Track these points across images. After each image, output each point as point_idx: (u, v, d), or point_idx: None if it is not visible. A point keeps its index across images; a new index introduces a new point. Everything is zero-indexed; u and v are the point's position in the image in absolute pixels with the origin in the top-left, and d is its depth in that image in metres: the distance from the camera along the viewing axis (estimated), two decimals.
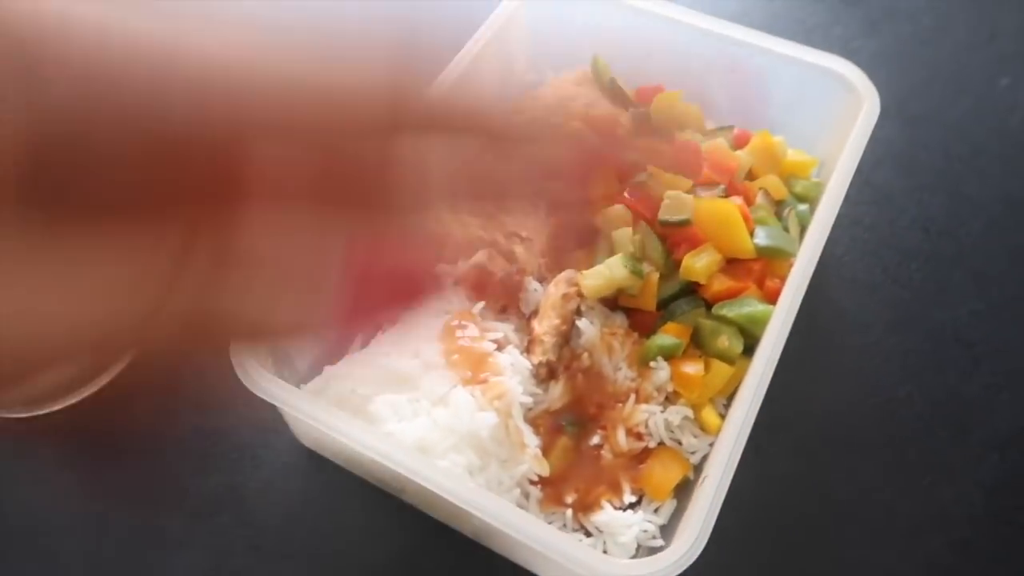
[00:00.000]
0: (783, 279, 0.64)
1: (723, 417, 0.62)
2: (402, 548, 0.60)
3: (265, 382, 0.53)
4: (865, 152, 0.66)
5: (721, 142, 0.73)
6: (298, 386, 0.63)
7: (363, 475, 0.62)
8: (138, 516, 0.62)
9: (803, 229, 0.72)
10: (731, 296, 0.64)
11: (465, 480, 0.53)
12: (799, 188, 0.74)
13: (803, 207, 0.72)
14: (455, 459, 0.54)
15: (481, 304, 0.64)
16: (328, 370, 0.61)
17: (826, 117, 0.75)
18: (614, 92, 0.81)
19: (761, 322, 0.61)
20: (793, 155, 0.76)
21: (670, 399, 0.63)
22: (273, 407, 0.54)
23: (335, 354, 0.66)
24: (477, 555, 0.59)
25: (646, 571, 0.46)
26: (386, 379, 0.58)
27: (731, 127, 0.77)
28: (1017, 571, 0.59)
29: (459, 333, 0.60)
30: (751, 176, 0.74)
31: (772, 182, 0.72)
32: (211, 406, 0.66)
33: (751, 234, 0.65)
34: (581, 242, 0.70)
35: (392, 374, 0.58)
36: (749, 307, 0.62)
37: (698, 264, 0.63)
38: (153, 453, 0.65)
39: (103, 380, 0.68)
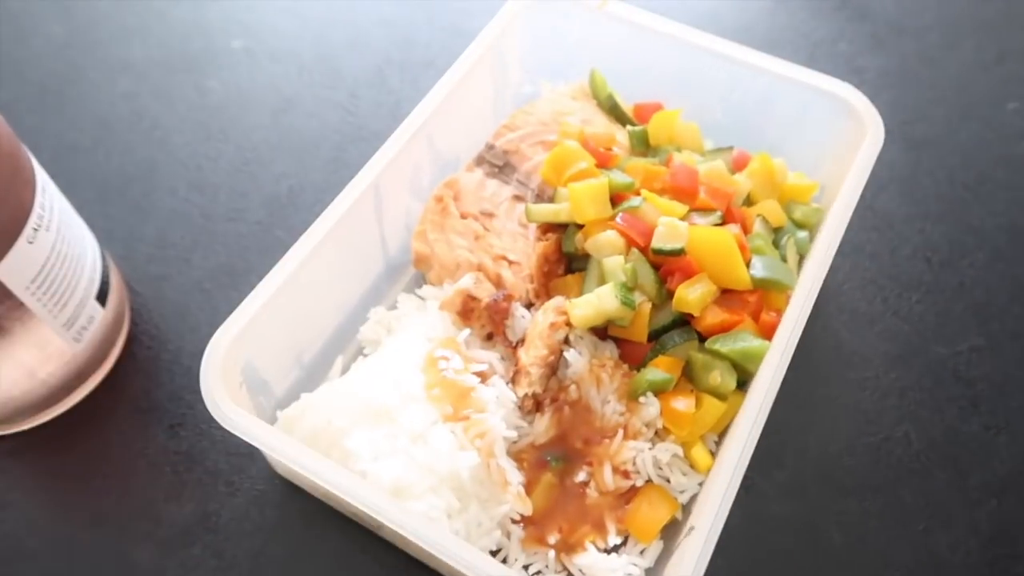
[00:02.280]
0: (780, 312, 0.62)
1: (714, 455, 0.61)
2: None
3: (237, 418, 0.51)
4: (868, 176, 0.64)
5: (720, 164, 0.70)
6: (274, 412, 0.61)
7: (338, 507, 0.60)
8: (107, 544, 0.60)
9: (801, 258, 0.70)
10: (725, 329, 0.62)
11: (442, 525, 0.51)
12: (798, 214, 0.72)
13: (802, 234, 0.70)
14: (433, 501, 0.52)
15: (467, 331, 0.62)
16: (305, 398, 0.59)
17: (828, 141, 0.73)
18: (611, 108, 0.79)
19: (756, 358, 0.58)
20: (793, 179, 0.74)
21: (659, 435, 0.61)
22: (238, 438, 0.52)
23: (314, 379, 0.64)
24: None
25: None
26: (364, 412, 0.56)
27: (730, 148, 0.75)
28: None
29: (442, 364, 0.57)
30: (749, 201, 0.72)
31: (771, 208, 0.70)
32: (186, 430, 0.64)
33: (747, 264, 0.63)
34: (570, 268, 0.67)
35: (370, 405, 0.56)
36: (744, 342, 0.60)
37: (692, 295, 0.61)
38: (125, 476, 0.63)
39: (75, 399, 0.65)
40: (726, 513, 0.49)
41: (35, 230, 0.54)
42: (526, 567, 0.56)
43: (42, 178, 0.57)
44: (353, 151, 0.81)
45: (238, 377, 0.56)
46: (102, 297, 0.64)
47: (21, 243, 0.53)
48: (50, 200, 0.57)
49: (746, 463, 0.51)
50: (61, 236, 0.58)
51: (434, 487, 0.52)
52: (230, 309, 0.54)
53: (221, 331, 0.54)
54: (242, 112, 0.85)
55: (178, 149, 0.82)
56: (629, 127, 0.76)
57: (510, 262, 0.68)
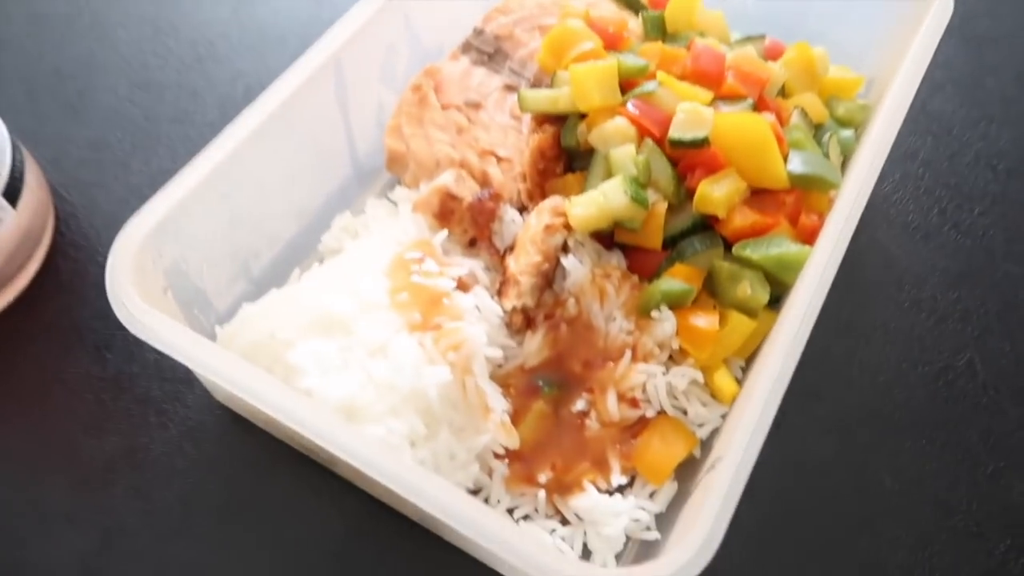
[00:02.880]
0: (822, 216, 0.51)
1: (740, 383, 0.50)
2: (335, 533, 0.48)
3: (149, 320, 0.41)
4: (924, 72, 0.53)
5: (750, 50, 0.59)
6: (212, 330, 0.51)
7: (288, 441, 0.50)
8: (17, 483, 0.50)
9: (846, 159, 0.59)
10: (757, 234, 0.51)
11: (403, 453, 0.41)
12: (842, 111, 0.61)
13: (847, 133, 0.59)
14: (392, 425, 0.42)
15: (444, 234, 0.51)
16: (246, 309, 0.49)
17: (877, 27, 0.62)
18: None
19: (794, 267, 0.48)
20: (836, 72, 0.63)
21: (675, 358, 0.51)
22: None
23: (264, 291, 0.54)
24: (423, 544, 0.47)
25: None
26: (313, 321, 0.46)
27: (762, 36, 0.64)
28: None
29: (413, 267, 0.47)
30: (785, 94, 0.61)
31: (810, 101, 0.59)
32: (113, 353, 0.54)
33: (784, 159, 0.52)
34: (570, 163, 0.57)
35: (321, 315, 0.46)
36: (779, 247, 0.50)
37: (717, 193, 0.51)
38: (39, 404, 0.53)
39: None
40: (757, 449, 0.39)
41: None
42: (511, 510, 0.47)
43: None
44: None
45: (160, 280, 0.46)
46: (11, 195, 0.54)
47: None
48: None
49: (782, 391, 0.41)
50: None
51: (395, 408, 0.42)
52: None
53: (135, 219, 0.44)
54: (196, 5, 0.74)
55: (121, 45, 0.71)
56: (643, 12, 0.65)
57: (499, 158, 0.57)
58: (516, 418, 0.48)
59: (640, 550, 0.47)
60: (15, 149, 0.55)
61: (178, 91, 0.69)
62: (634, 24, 0.65)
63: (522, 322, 0.50)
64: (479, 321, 0.47)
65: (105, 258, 0.45)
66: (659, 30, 0.64)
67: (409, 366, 0.43)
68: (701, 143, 0.52)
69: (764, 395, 0.40)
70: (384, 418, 0.42)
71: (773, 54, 0.63)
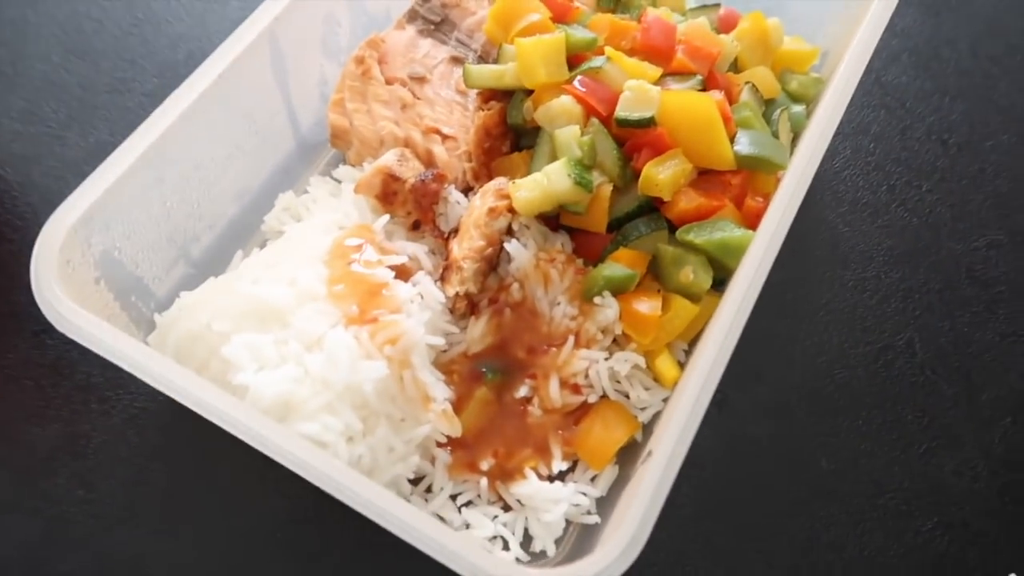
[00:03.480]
0: (768, 198, 0.51)
1: (683, 367, 0.51)
2: (278, 522, 0.49)
3: (77, 319, 0.40)
4: (877, 45, 0.52)
5: (703, 22, 0.58)
6: (151, 318, 0.50)
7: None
8: None
9: (796, 136, 0.58)
10: (702, 217, 0.51)
11: (339, 451, 0.41)
12: (794, 84, 0.61)
13: (798, 108, 0.59)
14: (328, 422, 0.42)
15: (386, 218, 0.51)
16: (183, 297, 0.48)
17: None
18: None
19: (738, 251, 0.48)
20: (790, 43, 0.62)
21: (618, 343, 0.51)
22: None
23: (207, 278, 0.53)
24: (365, 529, 0.48)
25: None
26: (250, 312, 0.46)
27: (717, 5, 0.63)
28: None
29: (352, 256, 0.46)
30: (737, 67, 0.60)
31: (762, 75, 0.59)
32: (53, 338, 0.53)
33: (731, 139, 0.52)
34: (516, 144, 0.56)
35: (258, 306, 0.46)
36: (723, 231, 0.50)
37: (662, 175, 0.50)
38: None
39: None
40: (692, 433, 0.39)
41: None
42: (453, 497, 0.47)
43: None
44: None
45: (91, 270, 0.45)
46: None
47: None
48: None
49: (719, 374, 0.41)
50: None
51: (330, 405, 0.42)
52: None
53: (60, 210, 0.43)
54: None
55: (54, 8, 0.68)
56: None
57: (444, 136, 0.56)
58: (459, 405, 0.48)
59: (581, 533, 0.47)
60: None
61: (115, 59, 0.66)
62: None
63: (465, 308, 0.50)
64: (421, 310, 0.47)
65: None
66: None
67: (345, 361, 0.43)
68: (647, 123, 0.51)
69: (697, 388, 0.40)
70: (319, 415, 0.41)
71: (727, 24, 0.62)
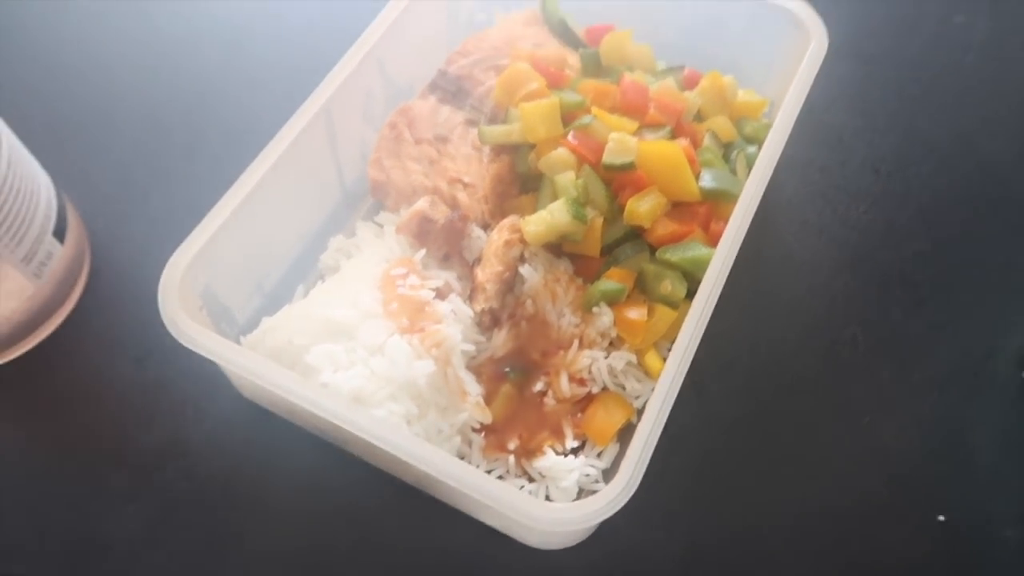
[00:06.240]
0: (728, 221, 0.63)
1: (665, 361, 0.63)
2: (347, 498, 0.60)
3: (196, 334, 0.52)
4: (819, 92, 0.65)
5: (670, 83, 0.71)
6: (237, 339, 0.62)
7: (305, 426, 0.62)
8: (82, 471, 0.61)
9: (751, 171, 0.71)
10: (676, 240, 0.63)
11: (401, 429, 0.52)
12: (748, 129, 0.73)
13: (752, 149, 0.71)
14: (392, 408, 0.53)
15: (423, 252, 0.63)
16: (265, 321, 0.60)
17: (777, 56, 0.73)
18: (564, 32, 0.79)
19: (703, 265, 0.60)
20: (744, 95, 0.74)
21: (614, 344, 0.63)
22: (212, 360, 0.53)
23: (276, 307, 0.65)
24: (421, 503, 0.60)
25: (577, 513, 0.46)
26: (323, 329, 0.57)
27: (681, 67, 0.76)
28: (948, 506, 0.61)
29: (399, 282, 0.59)
30: (700, 117, 0.73)
31: (720, 123, 0.71)
32: (152, 361, 0.65)
33: (697, 177, 0.64)
34: (524, 188, 0.68)
35: (329, 324, 0.58)
36: (693, 251, 0.62)
37: (642, 208, 0.62)
38: (95, 408, 0.64)
39: (41, 336, 0.66)
40: (668, 408, 0.50)
41: None
42: (487, 472, 0.59)
43: None
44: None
45: (197, 301, 0.57)
46: (59, 233, 0.64)
47: None
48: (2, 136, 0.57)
49: (689, 359, 0.52)
50: (13, 172, 0.58)
51: (393, 395, 0.54)
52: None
53: (178, 252, 0.55)
54: (193, 54, 0.84)
55: (129, 93, 0.81)
56: (581, 49, 0.77)
57: (465, 184, 0.68)
58: (488, 399, 0.60)
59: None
60: (58, 194, 0.66)
61: (184, 130, 0.79)
62: (574, 59, 0.77)
63: (490, 321, 0.62)
64: (455, 323, 0.59)
65: (136, 279, 0.56)
66: (596, 65, 0.76)
67: (402, 361, 0.55)
68: (629, 166, 0.64)
69: (676, 363, 0.52)
70: (385, 403, 0.53)
71: (691, 82, 0.75)
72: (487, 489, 0.47)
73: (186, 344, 0.51)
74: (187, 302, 0.54)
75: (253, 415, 0.63)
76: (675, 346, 0.53)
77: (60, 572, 0.58)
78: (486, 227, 0.67)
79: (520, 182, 0.70)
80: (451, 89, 0.74)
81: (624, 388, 0.62)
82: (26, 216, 0.60)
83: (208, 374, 0.64)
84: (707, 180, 0.64)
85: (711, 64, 0.74)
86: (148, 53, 0.84)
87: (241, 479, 0.61)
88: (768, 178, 0.60)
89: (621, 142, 0.64)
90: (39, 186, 0.62)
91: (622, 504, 0.47)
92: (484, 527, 0.59)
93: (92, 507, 0.60)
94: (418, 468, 0.48)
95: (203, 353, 0.51)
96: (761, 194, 0.59)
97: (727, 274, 0.56)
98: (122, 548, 0.59)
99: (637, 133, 0.66)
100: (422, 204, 0.64)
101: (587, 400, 0.61)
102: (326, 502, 0.60)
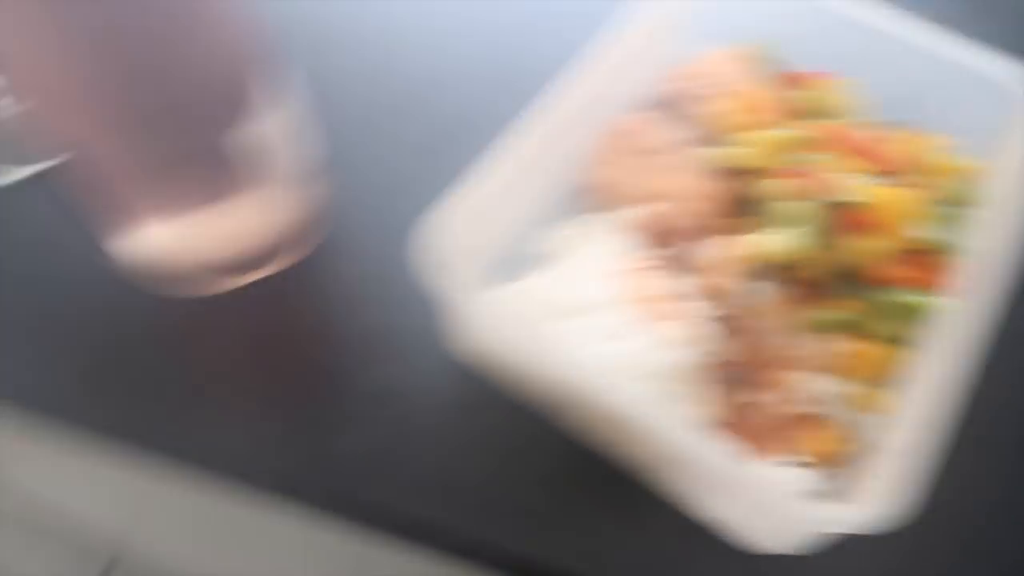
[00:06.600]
0: (948, 271, 0.65)
1: (888, 397, 0.63)
2: (553, 470, 0.61)
3: (465, 281, 0.54)
4: None
5: (897, 135, 0.73)
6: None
7: (520, 393, 0.63)
8: (315, 399, 0.64)
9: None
10: (900, 283, 0.65)
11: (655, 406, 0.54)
12: (961, 189, 0.75)
13: (965, 208, 0.73)
14: (636, 388, 0.55)
15: (656, 250, 0.65)
16: (508, 288, 0.62)
17: (990, 121, 0.75)
18: (770, 72, 0.81)
19: (923, 312, 0.61)
20: (956, 159, 0.76)
21: (834, 373, 0.64)
22: (431, 316, 0.56)
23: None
24: (632, 487, 0.60)
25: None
26: (562, 309, 0.60)
27: (903, 123, 0.78)
28: None
29: (644, 275, 0.61)
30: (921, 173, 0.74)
31: (944, 183, 0.73)
32: (382, 308, 0.68)
33: (925, 226, 0.66)
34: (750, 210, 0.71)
35: (567, 305, 0.60)
36: (914, 296, 0.63)
37: (872, 248, 0.64)
38: (312, 349, 0.67)
39: (283, 264, 0.69)
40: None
41: (264, 105, 0.58)
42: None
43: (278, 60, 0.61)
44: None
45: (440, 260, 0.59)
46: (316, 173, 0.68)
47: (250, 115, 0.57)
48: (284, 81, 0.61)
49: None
50: (284, 114, 0.62)
51: (636, 379, 0.55)
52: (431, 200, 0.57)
53: (441, 210, 0.56)
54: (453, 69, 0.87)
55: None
56: (797, 92, 0.79)
57: (685, 199, 0.71)
58: (711, 405, 0.61)
59: None
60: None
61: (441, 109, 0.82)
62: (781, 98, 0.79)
63: (714, 330, 0.64)
64: (690, 324, 0.60)
65: (378, 226, 0.60)
66: (817, 107, 0.78)
67: (642, 350, 0.57)
68: (858, 206, 0.66)
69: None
70: (628, 384, 0.55)
71: (904, 139, 0.77)
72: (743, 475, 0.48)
73: (452, 294, 0.54)
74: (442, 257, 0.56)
75: (466, 375, 0.65)
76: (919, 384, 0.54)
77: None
78: (708, 245, 0.68)
79: (737, 205, 0.72)
80: (670, 107, 0.77)
81: (842, 415, 0.63)
82: (287, 155, 0.64)
83: (422, 330, 0.66)
84: (932, 231, 0.66)
85: (916, 123, 0.75)
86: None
87: (451, 431, 0.63)
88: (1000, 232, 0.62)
89: (859, 182, 0.66)
90: (303, 129, 0.67)
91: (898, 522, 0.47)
92: (687, 522, 0.59)
93: (311, 433, 0.62)
94: (653, 449, 0.50)
95: (473, 313, 0.54)
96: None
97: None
98: None
99: (865, 174, 0.69)
100: (660, 209, 0.67)
101: (808, 420, 0.62)
102: (532, 471, 0.61)
